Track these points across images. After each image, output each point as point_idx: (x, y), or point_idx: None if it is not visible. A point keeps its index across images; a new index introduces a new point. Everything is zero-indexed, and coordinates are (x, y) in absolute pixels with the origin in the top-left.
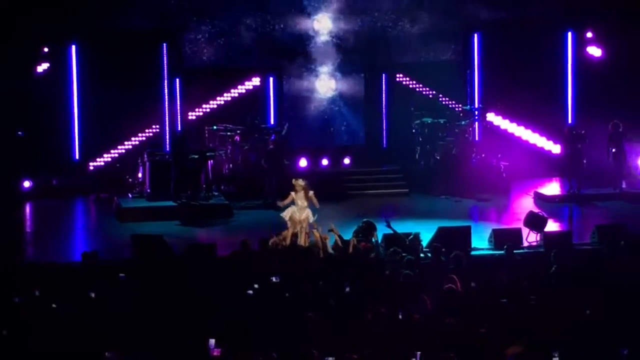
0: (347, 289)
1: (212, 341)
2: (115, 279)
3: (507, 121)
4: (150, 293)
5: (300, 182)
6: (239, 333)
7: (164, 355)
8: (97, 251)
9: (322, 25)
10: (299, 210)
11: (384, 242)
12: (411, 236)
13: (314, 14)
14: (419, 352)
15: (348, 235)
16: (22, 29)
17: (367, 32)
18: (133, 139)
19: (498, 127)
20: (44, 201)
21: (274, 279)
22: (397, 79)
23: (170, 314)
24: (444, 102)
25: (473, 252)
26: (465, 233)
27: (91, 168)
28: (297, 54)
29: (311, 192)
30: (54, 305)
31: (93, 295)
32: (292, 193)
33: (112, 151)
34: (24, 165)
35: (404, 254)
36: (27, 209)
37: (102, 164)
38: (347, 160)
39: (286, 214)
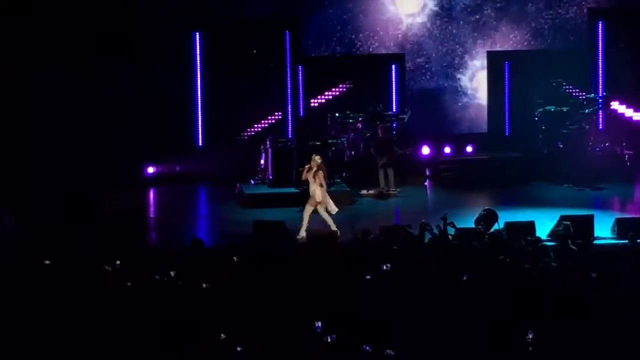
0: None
1: (319, 323)
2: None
3: (631, 110)
4: (267, 278)
5: (317, 159)
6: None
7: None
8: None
9: (445, 11)
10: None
11: (506, 230)
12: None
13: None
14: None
15: (465, 223)
16: (148, 18)
17: (491, 20)
18: (256, 125)
19: (622, 115)
20: (167, 187)
21: (384, 267)
22: (521, 66)
23: (281, 298)
24: (567, 90)
25: (596, 242)
26: (588, 222)
27: (215, 154)
28: (418, 41)
29: (320, 172)
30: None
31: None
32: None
33: (235, 138)
34: (148, 151)
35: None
36: (151, 194)
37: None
38: (469, 148)
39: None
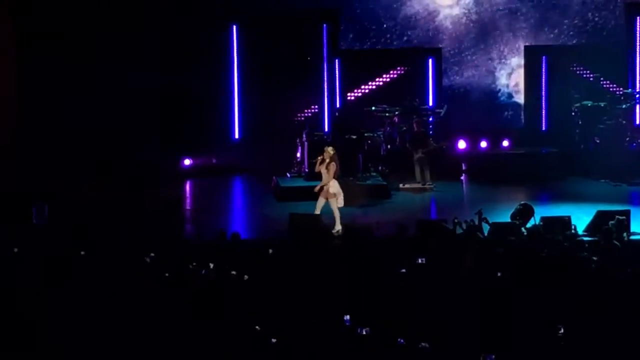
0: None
1: (347, 317)
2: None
3: None
4: (302, 271)
5: (330, 150)
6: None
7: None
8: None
9: (482, 5)
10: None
11: (543, 225)
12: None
13: None
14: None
15: (501, 218)
16: (184, 11)
17: (529, 14)
18: (292, 118)
19: None
20: (204, 179)
21: (419, 261)
22: (559, 61)
23: (316, 291)
24: (604, 85)
25: (632, 237)
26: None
27: (251, 147)
28: (456, 35)
29: (332, 164)
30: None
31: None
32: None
33: (271, 130)
34: (185, 144)
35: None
36: (187, 186)
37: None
38: (505, 143)
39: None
